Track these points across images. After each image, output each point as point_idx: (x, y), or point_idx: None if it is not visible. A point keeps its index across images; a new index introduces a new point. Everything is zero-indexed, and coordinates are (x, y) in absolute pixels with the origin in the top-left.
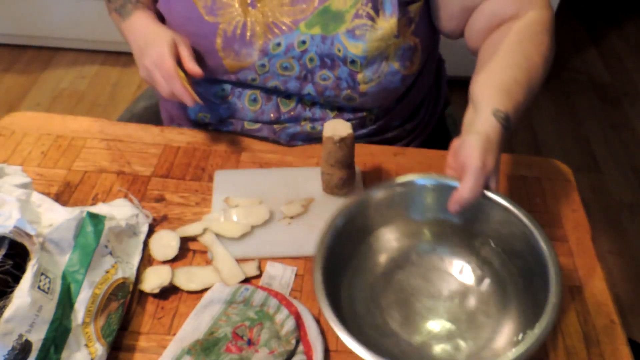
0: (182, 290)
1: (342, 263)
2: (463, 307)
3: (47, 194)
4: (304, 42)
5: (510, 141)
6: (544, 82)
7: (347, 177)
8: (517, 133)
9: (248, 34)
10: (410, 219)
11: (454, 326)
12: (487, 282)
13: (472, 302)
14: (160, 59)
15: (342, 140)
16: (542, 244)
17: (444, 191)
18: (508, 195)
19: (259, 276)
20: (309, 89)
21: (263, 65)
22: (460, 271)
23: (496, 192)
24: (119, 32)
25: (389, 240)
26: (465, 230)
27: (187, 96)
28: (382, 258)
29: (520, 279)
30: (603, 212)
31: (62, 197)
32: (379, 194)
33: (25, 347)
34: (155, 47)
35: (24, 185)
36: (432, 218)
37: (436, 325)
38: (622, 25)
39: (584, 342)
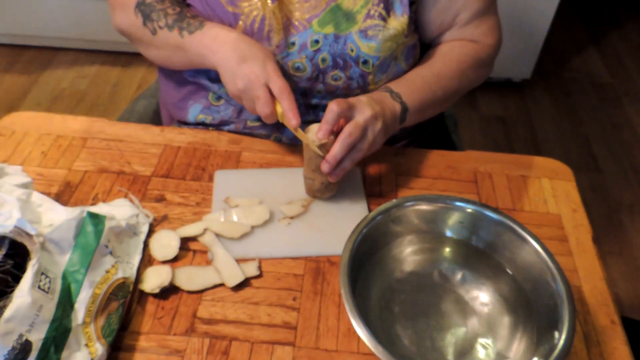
0: (182, 290)
1: (361, 263)
2: (471, 328)
3: (48, 194)
4: (317, 42)
5: (510, 141)
6: (459, 85)
7: (329, 182)
8: (517, 133)
9: (266, 28)
10: (436, 235)
11: (462, 346)
12: (499, 306)
13: (482, 323)
14: (270, 75)
15: (323, 146)
16: (559, 279)
17: (477, 217)
18: (508, 194)
19: (259, 276)
20: (319, 88)
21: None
22: (474, 292)
23: (522, 226)
24: (162, 49)
25: (410, 251)
26: (486, 254)
27: (296, 113)
28: (399, 268)
29: (532, 305)
30: (603, 212)
31: (63, 197)
32: (415, 204)
33: (26, 346)
34: (264, 60)
35: (24, 185)
36: (457, 238)
37: (445, 344)
38: (622, 25)
39: (584, 342)
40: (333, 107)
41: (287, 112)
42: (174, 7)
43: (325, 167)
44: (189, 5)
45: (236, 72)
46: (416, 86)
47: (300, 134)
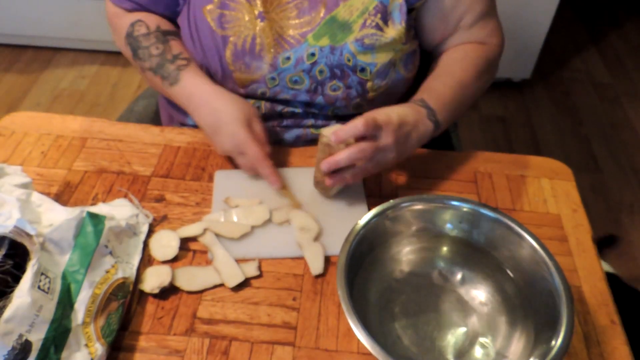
0: (182, 290)
1: (359, 264)
2: (471, 328)
3: (47, 194)
4: (313, 55)
5: (510, 141)
6: (477, 90)
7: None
8: (517, 133)
9: (257, 47)
10: (434, 234)
11: (462, 345)
12: (498, 304)
13: (481, 322)
14: (242, 145)
15: (330, 146)
16: (557, 277)
17: (474, 215)
18: (508, 194)
19: (259, 276)
20: (319, 100)
21: (273, 79)
22: (473, 292)
23: (519, 224)
24: (157, 89)
25: (408, 251)
26: (484, 253)
27: (275, 178)
28: (398, 268)
29: (530, 303)
30: (603, 212)
31: (62, 197)
32: (411, 204)
33: (25, 347)
34: (232, 129)
35: (24, 185)
36: (455, 237)
37: (445, 343)
38: (622, 25)
39: (584, 342)
40: (359, 126)
41: (267, 178)
42: (157, 46)
43: (324, 166)
44: (174, 33)
45: (213, 140)
46: (448, 100)
47: (283, 193)
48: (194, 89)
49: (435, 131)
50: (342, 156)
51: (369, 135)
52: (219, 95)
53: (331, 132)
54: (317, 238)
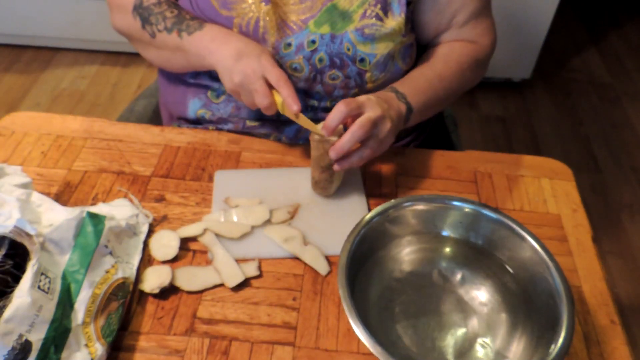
0: (182, 290)
1: (360, 264)
2: (471, 328)
3: (47, 194)
4: (313, 42)
5: (510, 141)
6: (457, 85)
7: (331, 180)
8: (517, 133)
9: (261, 30)
10: (435, 235)
11: (462, 346)
12: (498, 305)
13: (481, 322)
14: (266, 65)
15: (327, 141)
16: (557, 277)
17: (475, 216)
18: (508, 194)
19: (259, 276)
20: (318, 88)
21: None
22: (474, 292)
23: (520, 225)
24: (161, 58)
25: (409, 251)
26: (484, 253)
27: (295, 99)
28: (399, 268)
29: (531, 304)
30: (603, 212)
31: (62, 197)
32: (413, 204)
33: (25, 347)
34: (259, 55)
35: (24, 185)
36: (456, 237)
37: (445, 344)
38: (622, 25)
39: (584, 342)
40: (341, 107)
41: (287, 98)
42: (172, 10)
43: (332, 153)
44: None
45: (233, 68)
46: (420, 87)
47: (302, 119)
48: (219, 32)
49: (409, 114)
50: (346, 137)
51: (356, 116)
52: (242, 36)
53: (319, 128)
54: (306, 241)
